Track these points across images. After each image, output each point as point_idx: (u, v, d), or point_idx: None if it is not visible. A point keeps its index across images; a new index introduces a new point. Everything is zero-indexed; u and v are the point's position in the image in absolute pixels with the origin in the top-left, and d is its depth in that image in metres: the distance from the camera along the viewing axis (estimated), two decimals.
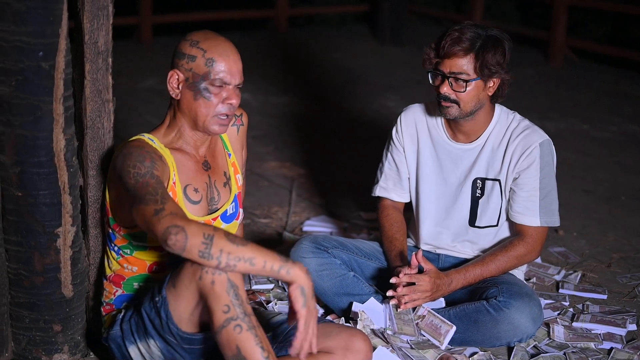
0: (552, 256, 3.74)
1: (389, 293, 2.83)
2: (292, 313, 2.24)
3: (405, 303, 2.80)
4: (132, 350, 2.43)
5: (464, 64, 2.82)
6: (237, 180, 2.70)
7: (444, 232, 3.10)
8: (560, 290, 3.37)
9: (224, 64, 2.45)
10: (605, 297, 3.33)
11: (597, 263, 3.70)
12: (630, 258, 3.77)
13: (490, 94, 2.91)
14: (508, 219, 3.02)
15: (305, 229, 3.93)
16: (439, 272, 2.87)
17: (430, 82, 2.91)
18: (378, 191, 3.19)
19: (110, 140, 2.63)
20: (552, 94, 6.88)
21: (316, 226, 3.93)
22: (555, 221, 3.00)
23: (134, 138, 2.50)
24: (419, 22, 9.96)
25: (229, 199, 2.64)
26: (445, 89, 2.85)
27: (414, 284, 2.82)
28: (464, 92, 2.84)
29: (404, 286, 2.81)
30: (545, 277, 3.49)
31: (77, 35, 2.52)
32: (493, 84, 2.89)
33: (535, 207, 2.95)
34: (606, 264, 3.69)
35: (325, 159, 5.14)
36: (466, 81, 2.83)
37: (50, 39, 2.34)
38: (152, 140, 2.49)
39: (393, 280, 2.81)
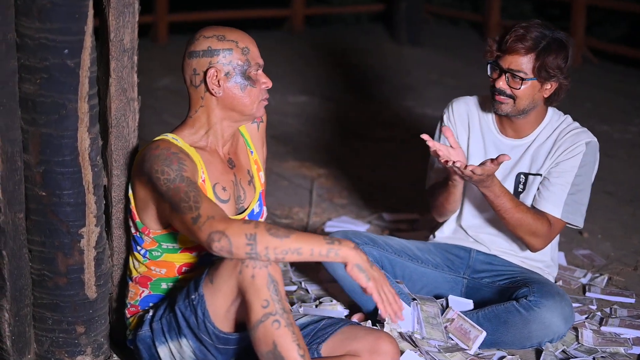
0: (577, 259, 3.69)
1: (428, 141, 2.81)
2: (363, 289, 2.27)
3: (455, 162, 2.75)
4: (162, 351, 2.39)
5: (524, 62, 2.82)
6: (260, 178, 2.67)
7: (484, 223, 3.08)
8: (587, 294, 3.32)
9: (255, 49, 2.48)
10: (633, 301, 3.27)
11: (622, 266, 3.65)
12: None
13: (545, 96, 2.90)
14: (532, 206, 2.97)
15: (327, 229, 3.88)
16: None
17: (488, 74, 2.91)
18: (429, 183, 3.16)
19: (135, 139, 2.60)
20: (571, 94, 6.77)
21: (338, 227, 3.88)
22: (578, 221, 2.95)
23: (157, 138, 2.46)
24: (435, 22, 9.90)
25: (255, 197, 2.61)
26: (501, 84, 2.86)
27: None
28: (519, 89, 2.83)
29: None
30: (572, 280, 3.44)
31: (102, 33, 2.49)
32: (550, 87, 2.88)
33: (562, 199, 2.91)
34: (632, 267, 3.64)
35: (345, 159, 5.10)
36: (522, 79, 2.82)
37: (75, 36, 2.31)
38: (177, 139, 2.45)
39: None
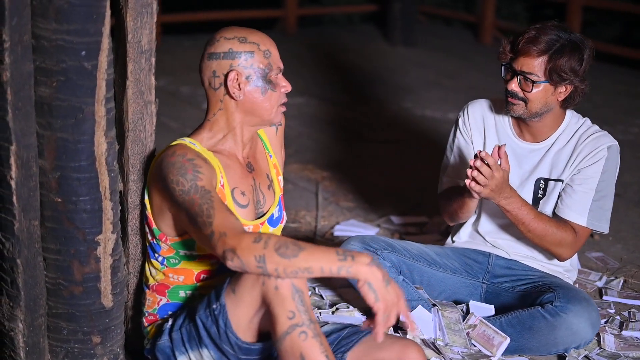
0: (590, 261, 3.65)
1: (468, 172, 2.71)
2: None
3: (472, 180, 2.70)
4: None
5: (536, 65, 2.76)
6: (280, 182, 2.61)
7: (502, 229, 3.02)
8: (604, 298, 3.28)
9: (276, 52, 2.43)
10: None
11: (636, 269, 3.60)
12: None
13: (560, 99, 2.84)
14: (554, 213, 2.92)
15: (336, 233, 3.82)
16: (508, 179, 2.76)
17: (502, 75, 2.86)
18: (443, 187, 3.10)
19: (152, 143, 2.53)
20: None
21: (347, 231, 3.82)
22: (603, 227, 2.91)
23: (174, 143, 2.40)
24: (429, 22, 9.87)
25: (274, 202, 2.55)
26: (513, 86, 2.81)
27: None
28: (530, 92, 2.78)
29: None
30: (587, 283, 3.39)
31: (119, 34, 2.42)
32: (565, 90, 2.82)
33: (586, 206, 2.86)
34: None
35: (347, 161, 5.04)
36: (534, 82, 2.77)
37: (93, 37, 2.23)
38: (194, 144, 2.39)
39: (470, 162, 2.71)
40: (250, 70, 2.38)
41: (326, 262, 2.09)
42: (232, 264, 2.12)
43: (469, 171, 2.70)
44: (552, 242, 2.84)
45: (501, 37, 8.18)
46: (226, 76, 2.37)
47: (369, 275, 2.10)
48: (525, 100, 2.81)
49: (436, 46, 8.74)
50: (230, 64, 2.37)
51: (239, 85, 2.38)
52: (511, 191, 2.78)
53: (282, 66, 2.44)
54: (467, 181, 2.71)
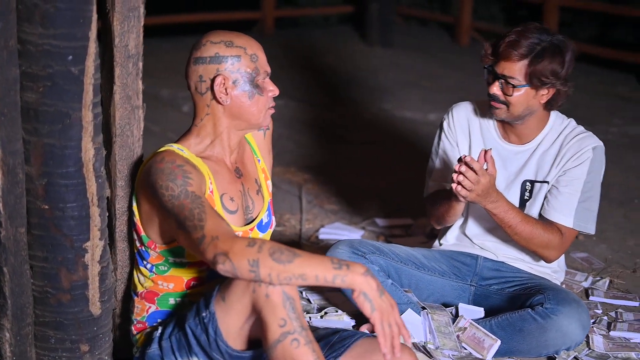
0: (575, 262, 3.66)
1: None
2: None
3: (457, 184, 2.68)
4: None
5: (516, 69, 2.76)
6: (268, 187, 2.59)
7: (489, 232, 3.02)
8: (591, 298, 3.28)
9: (263, 56, 2.39)
10: (637, 304, 3.25)
11: (621, 269, 3.62)
12: None
13: (542, 102, 2.83)
14: (540, 215, 2.92)
15: (321, 237, 3.80)
16: (494, 183, 2.75)
17: (484, 78, 2.85)
18: (429, 190, 3.08)
19: (140, 148, 2.49)
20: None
21: (332, 234, 3.81)
22: (589, 228, 2.91)
23: (162, 149, 2.37)
24: (406, 23, 9.87)
25: (263, 207, 2.53)
26: (494, 90, 2.80)
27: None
28: (511, 96, 2.77)
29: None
30: (573, 284, 3.40)
31: (106, 38, 2.38)
32: (547, 92, 2.81)
33: (572, 208, 2.86)
34: (631, 270, 3.61)
35: (329, 164, 5.02)
36: (514, 86, 2.75)
37: (80, 42, 2.19)
38: (182, 150, 2.36)
39: (456, 167, 2.70)
40: (237, 74, 2.35)
41: (321, 270, 2.07)
42: (223, 267, 2.07)
43: (454, 176, 2.69)
44: (539, 244, 2.84)
45: (478, 38, 8.16)
46: (213, 81, 2.34)
47: (364, 285, 2.08)
48: (507, 104, 2.81)
49: (414, 47, 8.75)
50: (216, 69, 2.34)
51: (225, 90, 2.35)
52: (498, 195, 2.77)
53: (269, 70, 2.42)
54: (454, 185, 2.70)
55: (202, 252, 2.12)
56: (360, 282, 2.08)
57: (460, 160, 2.69)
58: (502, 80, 2.78)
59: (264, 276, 2.06)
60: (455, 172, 2.69)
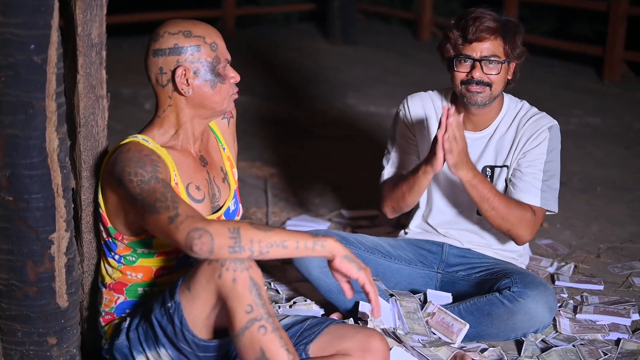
0: (540, 249, 3.69)
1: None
2: (346, 286, 2.23)
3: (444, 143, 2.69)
4: None
5: (495, 46, 2.80)
6: (234, 175, 2.58)
7: (452, 220, 3.03)
8: (557, 283, 3.32)
9: (222, 43, 2.38)
10: (601, 287, 3.28)
11: (586, 254, 3.66)
12: (617, 248, 3.75)
13: (509, 77, 2.87)
14: None
15: (288, 229, 3.79)
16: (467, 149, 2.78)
17: (454, 69, 2.84)
18: (385, 177, 3.08)
19: (105, 139, 2.47)
20: (511, 88, 6.86)
21: (299, 226, 3.80)
22: (554, 207, 2.94)
23: (127, 141, 2.34)
24: (367, 20, 9.90)
25: (230, 195, 2.52)
26: (478, 74, 2.81)
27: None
28: (497, 74, 2.80)
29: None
30: (539, 269, 3.43)
31: (68, 27, 2.36)
32: (512, 67, 2.85)
33: (537, 187, 2.89)
34: (595, 255, 3.66)
35: (295, 158, 5.02)
36: (499, 63, 2.80)
37: (42, 30, 2.17)
38: (147, 141, 2.34)
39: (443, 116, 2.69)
40: (198, 64, 2.33)
41: (301, 238, 2.14)
42: (198, 242, 2.05)
43: (439, 133, 2.68)
44: (514, 220, 2.83)
45: (439, 34, 8.20)
46: (173, 72, 2.32)
47: (343, 250, 2.17)
48: (490, 85, 2.83)
49: (376, 44, 8.78)
50: (176, 60, 2.32)
51: (187, 81, 2.33)
52: (473, 164, 2.80)
53: (229, 57, 2.40)
54: (439, 141, 2.68)
55: (174, 230, 2.08)
56: (339, 247, 2.17)
57: (435, 138, 2.70)
58: (484, 62, 2.80)
59: (245, 242, 2.07)
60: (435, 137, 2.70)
